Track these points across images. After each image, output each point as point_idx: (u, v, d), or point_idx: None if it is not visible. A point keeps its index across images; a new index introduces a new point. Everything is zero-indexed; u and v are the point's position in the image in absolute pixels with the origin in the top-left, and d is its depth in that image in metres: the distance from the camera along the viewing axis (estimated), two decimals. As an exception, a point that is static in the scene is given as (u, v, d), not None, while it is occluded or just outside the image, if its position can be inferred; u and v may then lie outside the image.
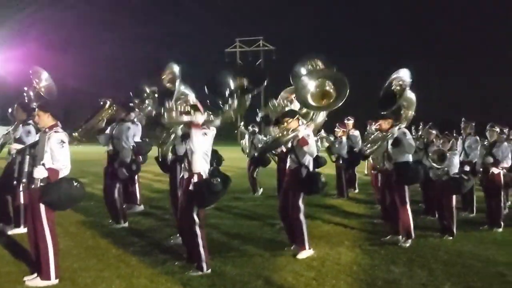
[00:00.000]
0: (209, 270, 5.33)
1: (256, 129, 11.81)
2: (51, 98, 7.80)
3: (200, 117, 5.37)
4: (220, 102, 5.80)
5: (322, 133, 10.63)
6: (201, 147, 5.34)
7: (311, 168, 6.28)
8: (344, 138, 11.17)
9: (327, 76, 6.48)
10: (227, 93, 5.85)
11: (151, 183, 13.62)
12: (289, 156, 6.43)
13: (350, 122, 11.14)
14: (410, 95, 6.92)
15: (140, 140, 9.28)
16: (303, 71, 6.83)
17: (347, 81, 6.23)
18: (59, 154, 4.79)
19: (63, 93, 8.35)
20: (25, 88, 7.62)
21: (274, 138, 6.60)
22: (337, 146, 11.21)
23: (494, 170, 8.10)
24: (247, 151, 12.25)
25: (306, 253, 6.13)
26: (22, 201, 7.04)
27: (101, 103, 7.67)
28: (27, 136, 7.06)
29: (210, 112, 5.55)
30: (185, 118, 5.39)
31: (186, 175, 5.47)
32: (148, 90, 8.45)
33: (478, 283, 5.20)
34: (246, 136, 12.40)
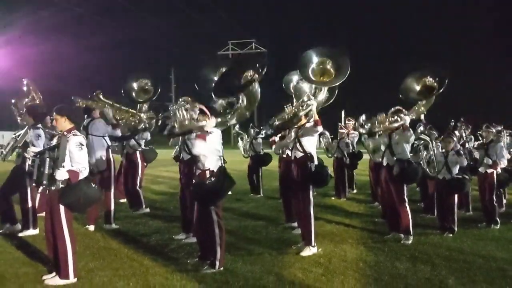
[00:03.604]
0: (221, 268, 5.50)
1: (256, 130, 12.00)
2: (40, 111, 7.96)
3: (211, 122, 5.53)
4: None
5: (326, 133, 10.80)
6: (208, 147, 5.50)
7: (315, 157, 6.49)
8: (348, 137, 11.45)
9: (330, 55, 6.70)
10: (234, 91, 5.94)
11: (153, 186, 13.77)
12: (293, 147, 6.58)
13: (350, 123, 11.36)
14: (433, 97, 7.23)
15: (147, 148, 9.56)
16: (294, 79, 7.16)
17: (348, 63, 6.49)
18: (78, 157, 4.96)
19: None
20: (13, 101, 7.63)
21: (290, 115, 6.66)
22: (340, 145, 11.46)
23: (488, 169, 8.34)
24: (247, 153, 12.42)
25: (311, 251, 6.32)
26: (30, 203, 7.24)
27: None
28: (36, 140, 7.18)
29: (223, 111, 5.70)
30: (198, 124, 5.48)
31: (198, 172, 5.64)
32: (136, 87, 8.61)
33: (481, 277, 5.41)
34: (245, 137, 12.55)
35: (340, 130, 11.52)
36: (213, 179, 5.46)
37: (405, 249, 6.60)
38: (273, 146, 7.47)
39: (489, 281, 5.31)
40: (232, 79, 6.21)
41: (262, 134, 7.22)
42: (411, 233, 7.05)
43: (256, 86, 6.08)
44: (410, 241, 6.93)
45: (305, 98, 6.50)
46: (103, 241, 6.95)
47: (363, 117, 8.11)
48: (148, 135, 9.17)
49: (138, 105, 8.50)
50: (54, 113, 5.25)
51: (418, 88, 7.45)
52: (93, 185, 5.11)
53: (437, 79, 7.31)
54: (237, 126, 13.10)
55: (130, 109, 8.20)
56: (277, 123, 6.71)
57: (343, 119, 11.63)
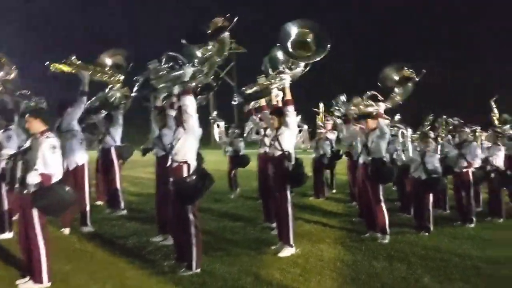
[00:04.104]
0: (198, 270, 5.47)
1: (237, 130, 11.95)
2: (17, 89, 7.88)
3: (189, 70, 5.46)
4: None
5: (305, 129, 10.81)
6: (195, 115, 5.43)
7: (293, 155, 6.50)
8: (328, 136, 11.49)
9: (312, 28, 6.62)
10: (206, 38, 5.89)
11: (131, 187, 13.62)
12: (270, 143, 6.63)
13: (329, 122, 11.40)
14: (410, 87, 7.39)
15: (122, 144, 9.41)
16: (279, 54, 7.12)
17: (329, 39, 6.45)
18: (51, 160, 4.87)
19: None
20: None
21: (262, 86, 6.75)
22: (319, 145, 11.51)
23: (463, 168, 8.48)
24: (223, 144, 12.25)
25: (289, 251, 6.33)
26: (5, 207, 7.10)
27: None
28: (7, 141, 7.05)
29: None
30: (175, 74, 5.43)
31: (174, 165, 5.53)
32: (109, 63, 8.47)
33: (456, 275, 5.49)
34: (222, 125, 12.44)
35: (319, 130, 11.56)
36: (193, 177, 5.40)
37: (382, 248, 6.67)
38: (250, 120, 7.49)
39: (465, 279, 5.40)
40: (202, 27, 6.15)
41: (235, 100, 7.23)
42: (388, 232, 7.12)
43: (226, 33, 6.03)
44: (387, 240, 7.01)
45: (281, 69, 6.50)
46: (79, 243, 6.86)
47: (342, 98, 8.07)
48: (119, 117, 9.04)
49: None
50: (27, 115, 5.16)
51: (396, 77, 7.54)
52: (67, 188, 5.01)
53: (414, 70, 7.43)
54: (215, 112, 12.90)
55: (106, 69, 8.04)
56: (249, 91, 6.73)
57: (321, 110, 11.49)
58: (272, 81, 6.69)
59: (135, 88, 6.79)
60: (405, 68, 7.51)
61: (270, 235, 7.42)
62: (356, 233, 7.57)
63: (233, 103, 7.68)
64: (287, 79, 6.55)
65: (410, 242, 7.06)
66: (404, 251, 6.51)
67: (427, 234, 7.50)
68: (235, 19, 6.03)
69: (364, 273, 5.56)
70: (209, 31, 6.01)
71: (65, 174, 6.96)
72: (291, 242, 6.40)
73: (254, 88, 6.93)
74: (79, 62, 7.66)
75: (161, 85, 5.76)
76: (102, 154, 9.45)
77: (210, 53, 5.86)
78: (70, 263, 5.80)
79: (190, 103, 5.41)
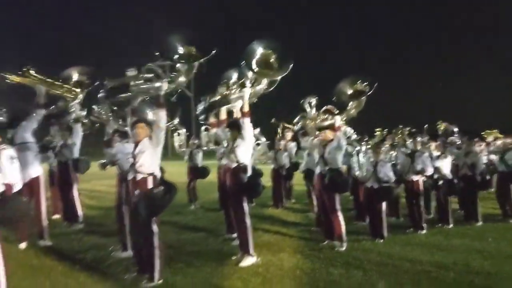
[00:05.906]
0: (161, 281, 5.50)
1: (195, 141, 11.97)
2: None
3: (165, 85, 5.52)
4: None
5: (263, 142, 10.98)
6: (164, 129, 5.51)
7: (249, 167, 6.65)
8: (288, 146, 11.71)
9: (275, 49, 6.81)
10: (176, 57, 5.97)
11: (88, 200, 13.37)
12: (227, 156, 6.76)
13: (288, 133, 11.62)
14: (363, 100, 7.70)
15: (80, 157, 9.26)
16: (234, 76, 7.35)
17: (291, 59, 6.65)
18: (10, 170, 4.82)
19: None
20: None
21: (222, 96, 6.91)
22: (277, 157, 11.74)
23: (414, 177, 8.89)
24: (182, 149, 12.27)
25: (249, 260, 6.45)
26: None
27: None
28: None
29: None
30: (152, 86, 5.51)
31: (139, 177, 5.50)
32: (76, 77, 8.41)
33: (408, 280, 5.77)
34: (182, 132, 12.34)
35: (277, 141, 11.76)
36: (160, 188, 5.42)
37: (339, 256, 6.89)
38: (213, 130, 7.65)
39: (416, 283, 5.68)
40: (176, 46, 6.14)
41: (199, 111, 7.36)
42: (345, 240, 7.37)
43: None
44: (343, 248, 7.25)
45: (241, 82, 6.71)
46: (36, 259, 6.71)
47: (313, 101, 8.24)
48: (78, 130, 8.94)
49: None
50: None
51: (349, 91, 7.86)
52: (23, 199, 4.95)
53: (366, 84, 7.76)
54: (176, 120, 12.84)
55: (64, 84, 7.86)
56: (209, 100, 6.89)
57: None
58: (232, 91, 6.84)
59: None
60: (358, 82, 7.84)
61: (231, 246, 7.51)
62: (314, 242, 7.77)
63: (197, 112, 7.78)
64: (246, 91, 6.71)
65: (366, 249, 7.34)
66: (360, 258, 6.76)
67: (381, 241, 7.81)
68: (212, 52, 6.07)
69: (322, 280, 5.75)
70: (181, 53, 6.06)
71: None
72: (251, 251, 6.52)
73: (215, 97, 7.05)
74: (35, 74, 7.52)
75: (137, 93, 5.80)
76: (59, 167, 9.29)
77: (178, 72, 5.94)
78: (27, 280, 5.68)
79: (163, 117, 5.48)
